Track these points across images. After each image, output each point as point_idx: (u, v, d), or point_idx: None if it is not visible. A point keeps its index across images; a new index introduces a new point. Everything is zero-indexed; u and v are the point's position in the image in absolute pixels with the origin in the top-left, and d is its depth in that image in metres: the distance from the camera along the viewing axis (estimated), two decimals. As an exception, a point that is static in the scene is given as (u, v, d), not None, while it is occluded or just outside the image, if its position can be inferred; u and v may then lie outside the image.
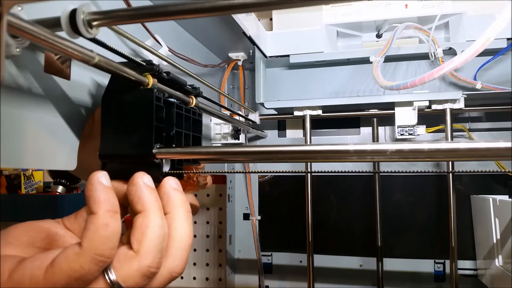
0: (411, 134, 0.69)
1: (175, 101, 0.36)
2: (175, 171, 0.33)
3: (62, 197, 1.11)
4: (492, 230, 0.68)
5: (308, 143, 0.77)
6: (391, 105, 0.71)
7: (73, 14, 0.25)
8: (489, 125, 0.80)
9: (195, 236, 0.91)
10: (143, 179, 0.30)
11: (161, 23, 0.52)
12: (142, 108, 0.32)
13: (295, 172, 0.36)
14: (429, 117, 0.76)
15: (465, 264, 0.79)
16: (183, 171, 0.35)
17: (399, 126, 0.70)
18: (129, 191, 0.29)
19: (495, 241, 0.68)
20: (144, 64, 0.33)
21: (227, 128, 0.79)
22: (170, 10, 0.26)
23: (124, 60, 0.32)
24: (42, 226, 0.30)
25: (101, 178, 0.27)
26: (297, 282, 0.89)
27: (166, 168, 0.33)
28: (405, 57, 0.77)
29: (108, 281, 0.26)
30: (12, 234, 0.29)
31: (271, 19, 0.83)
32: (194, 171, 0.38)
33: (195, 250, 0.91)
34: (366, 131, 0.86)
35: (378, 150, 0.29)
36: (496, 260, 0.67)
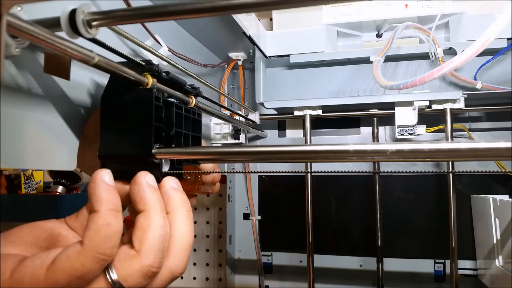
0: (411, 134, 0.69)
1: (175, 101, 0.36)
2: (174, 171, 0.33)
3: (62, 197, 1.11)
4: (492, 230, 0.68)
5: (308, 143, 0.77)
6: (391, 105, 0.71)
7: (72, 14, 0.25)
8: (489, 125, 0.80)
9: (195, 236, 0.91)
10: (145, 179, 0.30)
11: (161, 23, 0.52)
12: (142, 108, 0.32)
13: (295, 172, 0.36)
14: (429, 117, 0.76)
15: (465, 264, 0.79)
16: (183, 171, 0.35)
17: (399, 126, 0.70)
18: (132, 190, 0.29)
19: (495, 241, 0.68)
20: (144, 64, 0.33)
21: (227, 128, 0.79)
22: (170, 10, 0.26)
23: (123, 60, 0.32)
24: (46, 226, 0.30)
25: (104, 177, 0.27)
26: (297, 282, 0.88)
27: (165, 168, 0.33)
28: (405, 57, 0.77)
29: (109, 280, 0.26)
30: (16, 234, 0.29)
31: (271, 19, 0.83)
32: (193, 171, 0.38)
33: (195, 250, 0.91)
34: (366, 131, 0.86)
35: (378, 150, 0.29)
36: (496, 260, 0.67)
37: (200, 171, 0.41)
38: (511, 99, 0.68)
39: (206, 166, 0.42)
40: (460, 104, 0.68)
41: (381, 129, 0.84)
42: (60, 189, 1.14)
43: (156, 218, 0.28)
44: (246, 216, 0.91)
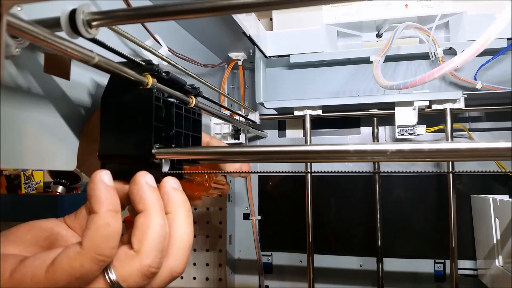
0: (411, 134, 0.69)
1: (175, 101, 0.36)
2: (174, 171, 0.33)
3: (62, 197, 1.11)
4: (492, 230, 0.68)
5: (308, 143, 0.77)
6: (391, 105, 0.71)
7: (72, 14, 0.25)
8: (489, 125, 0.80)
9: (195, 236, 0.91)
10: (145, 179, 0.30)
11: (161, 23, 0.52)
12: (142, 108, 0.32)
13: (295, 172, 0.35)
14: (429, 117, 0.76)
15: (465, 264, 0.79)
16: (183, 171, 0.35)
17: (399, 126, 0.70)
18: (131, 190, 0.29)
19: (495, 241, 0.68)
20: (144, 64, 0.33)
21: (227, 128, 0.79)
22: (170, 10, 0.26)
23: (123, 60, 0.32)
24: (45, 226, 0.30)
25: (103, 177, 0.27)
26: (297, 282, 0.88)
27: (165, 168, 0.33)
28: (405, 57, 0.77)
29: (108, 280, 0.26)
30: (15, 233, 0.29)
31: (271, 19, 0.83)
32: (195, 171, 0.38)
33: (195, 250, 0.91)
34: (366, 131, 0.86)
35: (378, 150, 0.29)
36: (496, 260, 0.67)
37: (202, 171, 0.41)
38: (511, 99, 0.68)
39: (234, 166, 0.43)
40: (460, 104, 0.68)
41: (381, 129, 0.84)
42: (60, 189, 1.14)
43: (156, 218, 0.28)
44: (246, 216, 0.91)
